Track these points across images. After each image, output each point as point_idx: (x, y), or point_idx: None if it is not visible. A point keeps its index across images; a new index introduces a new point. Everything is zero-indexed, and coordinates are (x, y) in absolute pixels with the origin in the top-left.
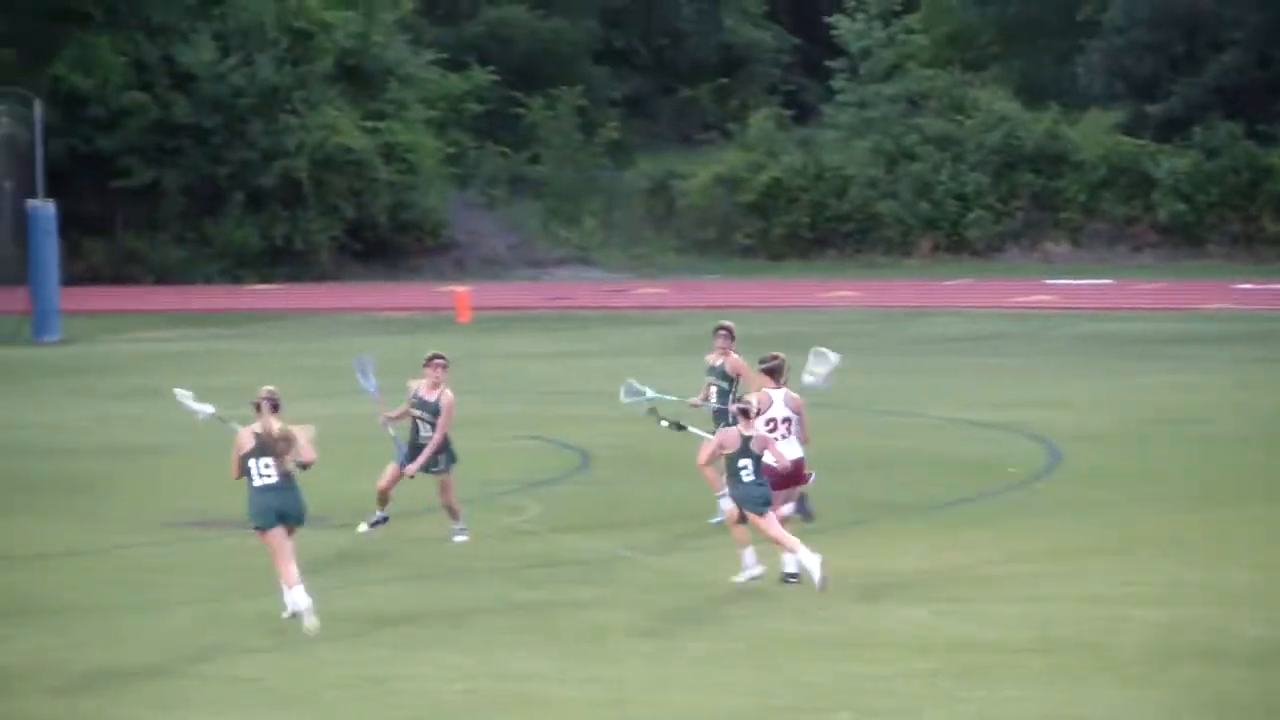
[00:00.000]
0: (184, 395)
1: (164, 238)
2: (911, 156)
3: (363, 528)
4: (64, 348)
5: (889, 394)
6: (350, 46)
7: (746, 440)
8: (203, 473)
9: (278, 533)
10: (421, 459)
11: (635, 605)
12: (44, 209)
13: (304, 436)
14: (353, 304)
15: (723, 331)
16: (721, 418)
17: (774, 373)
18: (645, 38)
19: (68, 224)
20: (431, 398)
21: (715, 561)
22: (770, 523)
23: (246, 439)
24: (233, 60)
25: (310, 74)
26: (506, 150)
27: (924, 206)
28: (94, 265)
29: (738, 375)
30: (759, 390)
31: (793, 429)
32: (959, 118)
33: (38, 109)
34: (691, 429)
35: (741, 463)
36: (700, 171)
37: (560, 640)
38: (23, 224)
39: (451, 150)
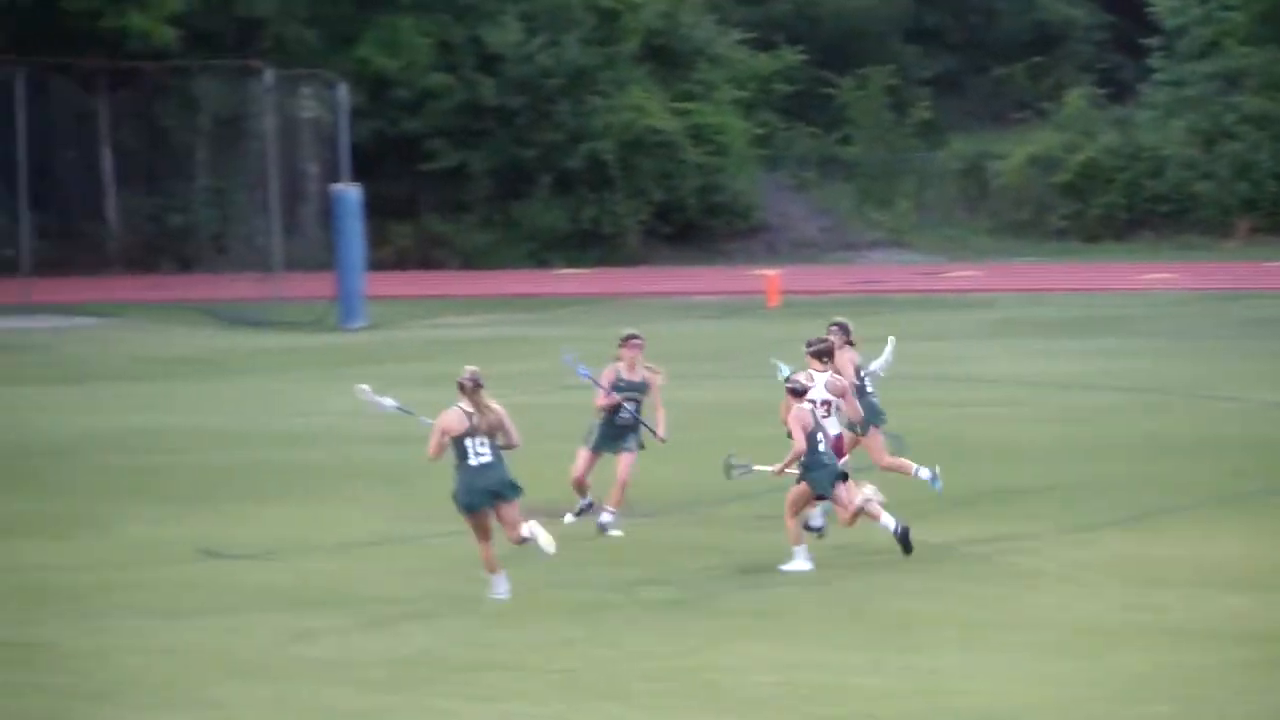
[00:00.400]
0: (364, 391)
1: (470, 221)
2: (1230, 136)
3: (568, 519)
4: (369, 333)
5: (1212, 379)
6: (657, 26)
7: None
8: (509, 461)
9: (486, 514)
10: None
11: (947, 594)
12: (350, 193)
13: (507, 419)
14: (661, 288)
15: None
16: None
17: (821, 355)
18: (957, 15)
19: (373, 208)
20: (636, 378)
21: (1034, 549)
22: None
23: (457, 419)
24: (539, 41)
25: (617, 54)
26: (817, 131)
27: (1243, 187)
28: (400, 249)
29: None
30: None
31: (832, 411)
32: (1279, 96)
33: (343, 92)
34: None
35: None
36: (1014, 152)
37: (871, 629)
38: (328, 208)
39: (761, 131)
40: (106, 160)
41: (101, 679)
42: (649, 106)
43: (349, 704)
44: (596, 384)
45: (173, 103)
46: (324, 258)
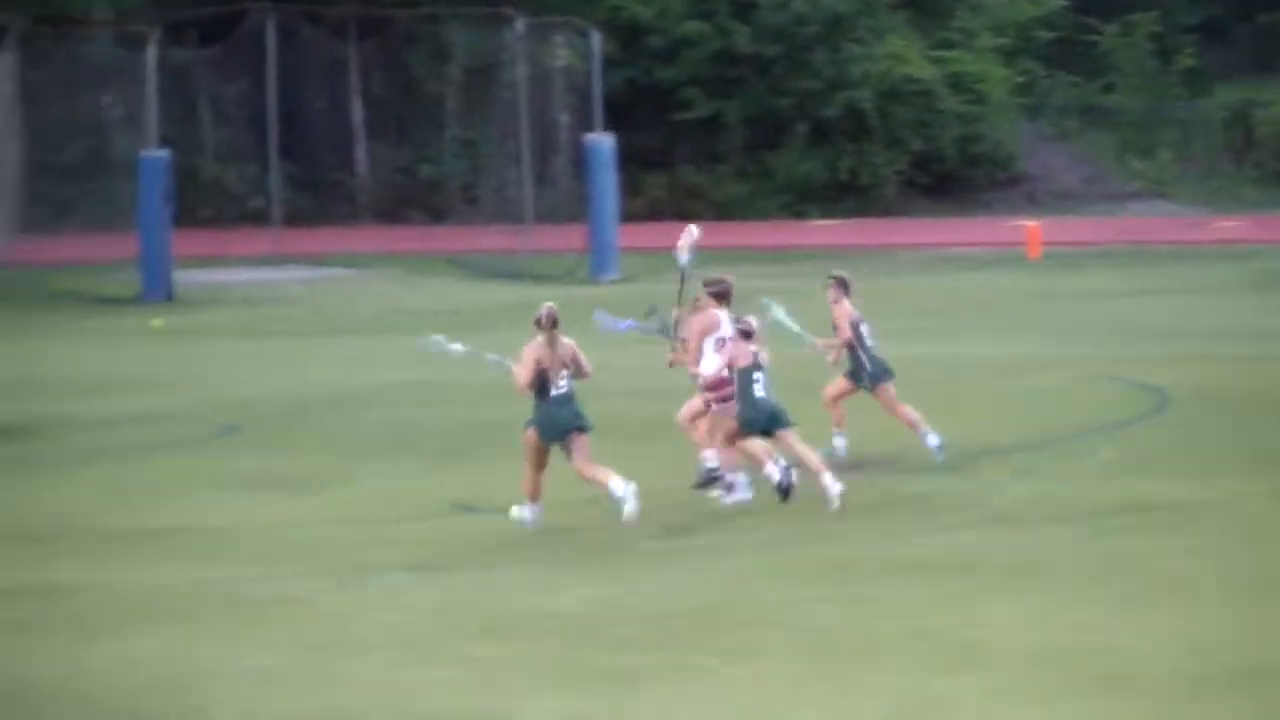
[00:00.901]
0: (435, 341)
1: (724, 172)
2: None
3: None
4: (621, 286)
5: None
6: None
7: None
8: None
9: (553, 447)
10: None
11: (1217, 554)
12: (603, 143)
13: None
14: (919, 240)
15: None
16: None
17: (719, 296)
18: None
19: (626, 158)
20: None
21: None
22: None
23: (540, 353)
24: None
25: (875, 1)
26: (1078, 80)
27: None
28: (653, 200)
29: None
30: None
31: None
32: None
33: (596, 40)
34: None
35: (756, 376)
36: None
37: (1135, 590)
38: (581, 159)
39: (1021, 80)
40: (357, 110)
41: (357, 634)
42: (907, 55)
43: (602, 660)
44: (663, 334)
45: (423, 51)
46: (576, 209)
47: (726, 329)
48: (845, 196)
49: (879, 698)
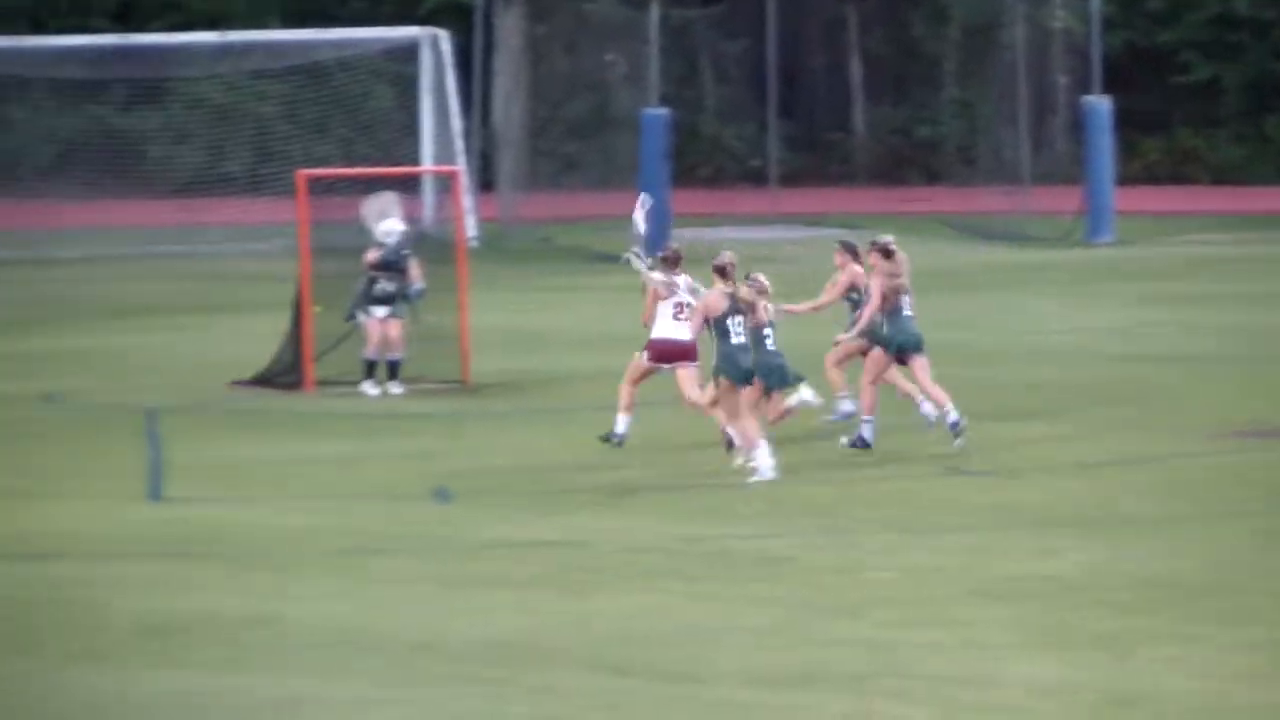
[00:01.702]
0: (632, 254)
1: (1221, 136)
2: None
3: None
4: (1117, 249)
5: None
6: None
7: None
8: (1260, 381)
9: (748, 391)
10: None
11: None
12: (1100, 105)
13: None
14: None
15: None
16: None
17: (668, 261)
18: None
19: (1123, 121)
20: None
21: None
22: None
23: (719, 300)
24: None
25: None
26: None
27: None
28: (1149, 164)
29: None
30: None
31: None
32: None
33: (1095, 2)
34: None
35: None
36: None
37: None
38: (1078, 121)
39: None
40: (855, 69)
41: (847, 594)
42: None
43: (1096, 625)
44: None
45: (923, 11)
46: (1072, 171)
47: (683, 295)
48: None
49: None
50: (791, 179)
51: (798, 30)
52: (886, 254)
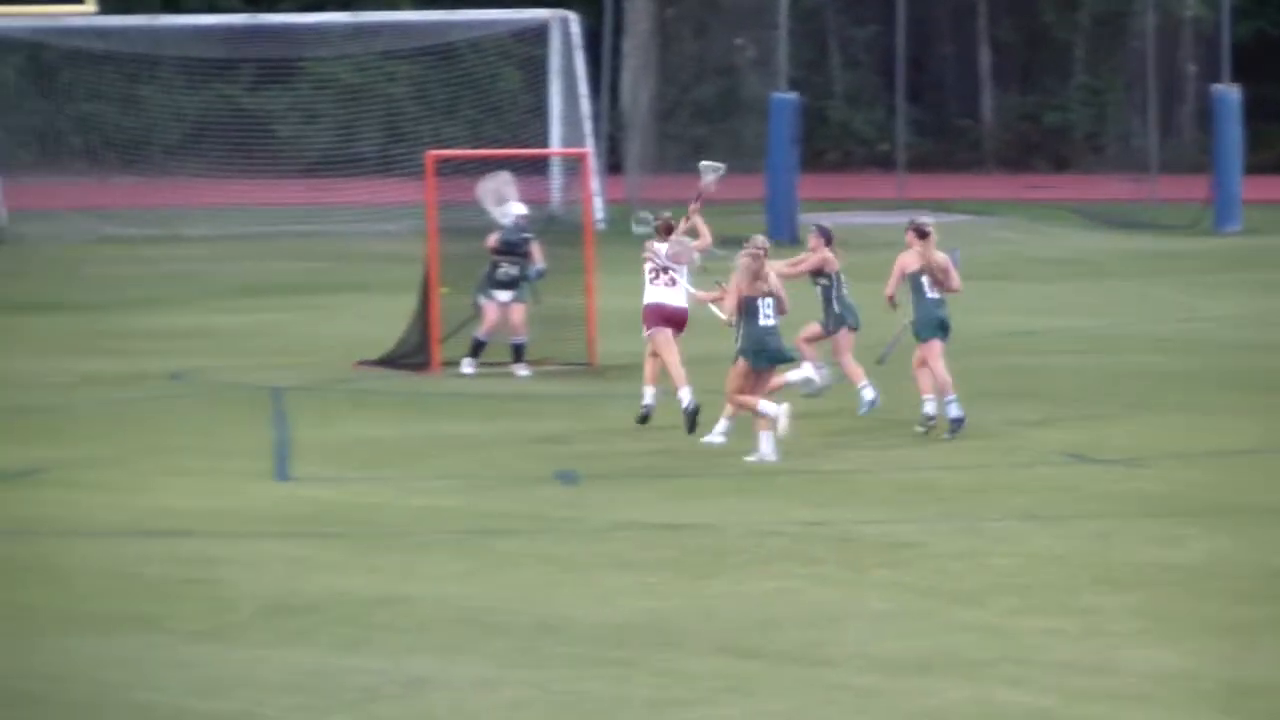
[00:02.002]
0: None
1: None
2: None
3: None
4: (1244, 238)
5: None
6: None
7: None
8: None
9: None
10: None
11: None
12: (1229, 94)
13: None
14: None
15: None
16: None
17: (663, 231)
18: None
19: (1252, 110)
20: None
21: None
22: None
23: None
24: None
25: None
26: None
27: None
28: (1278, 153)
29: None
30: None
31: (675, 280)
32: None
33: None
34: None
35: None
36: None
37: None
38: (1206, 110)
39: None
40: (984, 56)
41: (971, 580)
42: None
43: (1219, 614)
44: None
45: None
46: (1200, 160)
47: (662, 260)
48: None
49: None
50: (919, 164)
51: (927, 16)
52: (921, 234)
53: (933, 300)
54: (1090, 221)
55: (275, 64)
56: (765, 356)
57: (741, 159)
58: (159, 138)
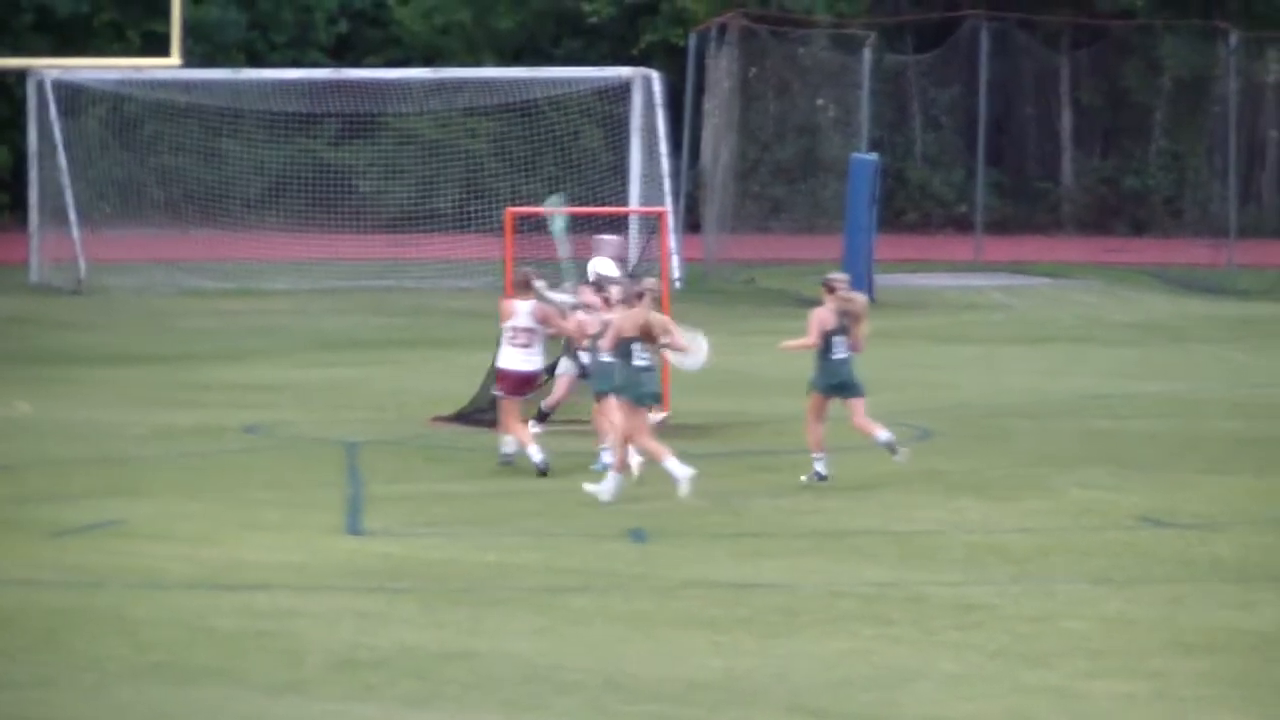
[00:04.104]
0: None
1: None
2: None
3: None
4: None
5: None
6: None
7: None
8: None
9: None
10: None
11: None
12: None
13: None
14: None
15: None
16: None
17: (519, 286)
18: None
19: None
20: None
21: None
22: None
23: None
24: None
25: None
26: None
27: None
28: None
29: None
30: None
31: (533, 341)
32: None
33: None
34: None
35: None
36: None
37: None
38: None
39: None
40: (1065, 119)
41: (1042, 643)
42: None
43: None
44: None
45: (1136, 62)
46: (1278, 225)
47: (522, 319)
48: None
49: None
50: (997, 227)
51: (1009, 79)
52: (830, 289)
53: (838, 360)
54: (1169, 285)
55: (358, 118)
56: (643, 396)
57: (820, 219)
58: (240, 191)
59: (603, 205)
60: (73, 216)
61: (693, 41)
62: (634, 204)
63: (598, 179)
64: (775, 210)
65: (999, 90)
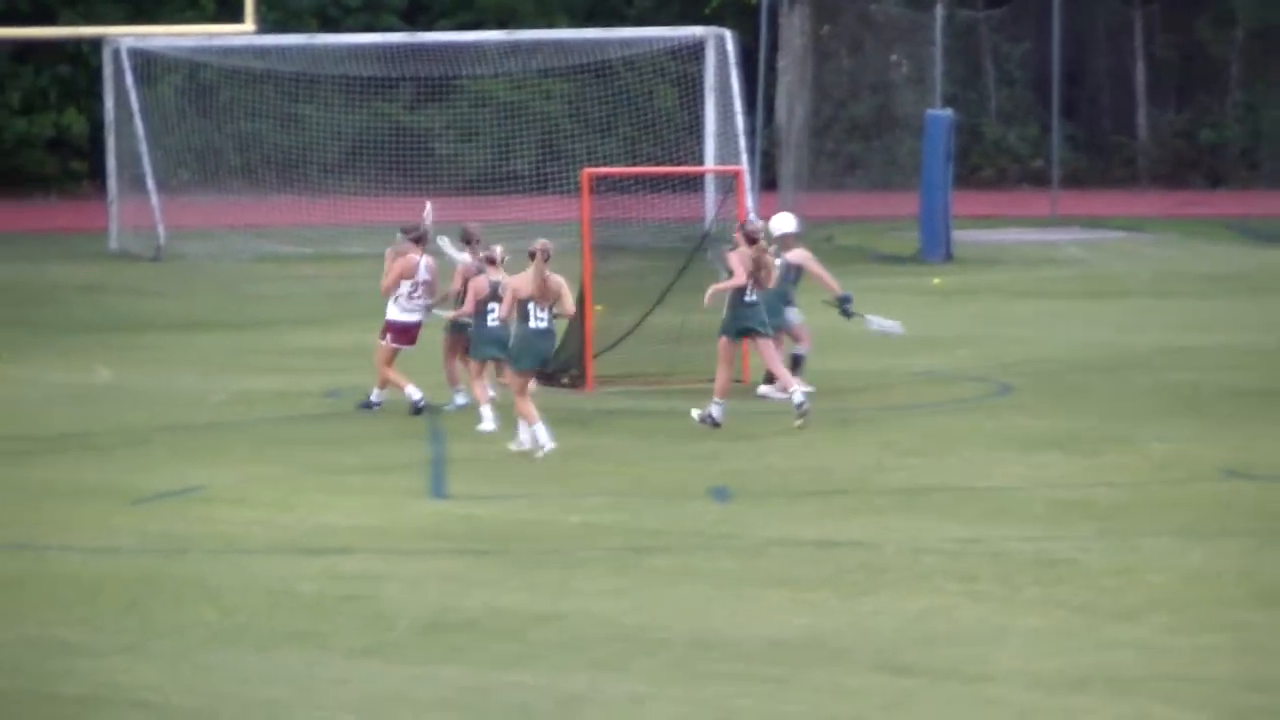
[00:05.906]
0: (445, 242)
1: None
2: None
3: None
4: None
5: None
6: None
7: (495, 286)
8: None
9: (530, 375)
10: None
11: None
12: None
13: (567, 290)
14: None
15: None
16: None
17: (420, 240)
18: None
19: None
20: None
21: None
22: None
23: (524, 284)
24: None
25: None
26: None
27: None
28: None
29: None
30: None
31: (425, 295)
32: None
33: None
34: None
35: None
36: None
37: None
38: None
39: None
40: (1139, 73)
41: (1125, 597)
42: None
43: None
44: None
45: (1208, 15)
46: None
47: (423, 273)
48: None
49: None
50: (1073, 181)
51: (1082, 33)
52: (751, 239)
53: (750, 304)
54: (1246, 237)
55: (433, 82)
56: (530, 358)
57: (895, 175)
58: (317, 156)
59: (679, 165)
60: (150, 184)
61: (765, 0)
62: (710, 163)
63: (673, 139)
64: (851, 167)
65: (1072, 44)
